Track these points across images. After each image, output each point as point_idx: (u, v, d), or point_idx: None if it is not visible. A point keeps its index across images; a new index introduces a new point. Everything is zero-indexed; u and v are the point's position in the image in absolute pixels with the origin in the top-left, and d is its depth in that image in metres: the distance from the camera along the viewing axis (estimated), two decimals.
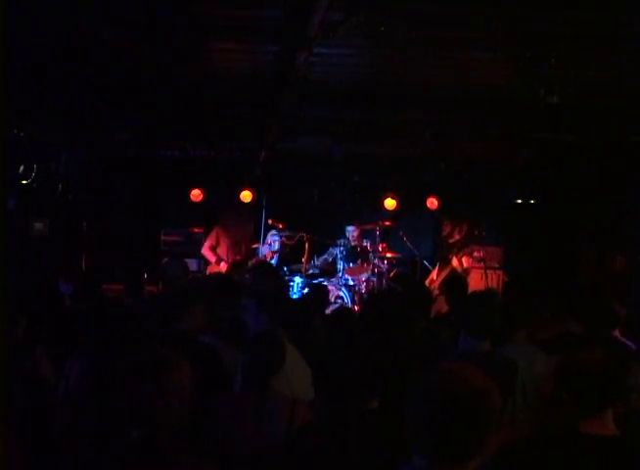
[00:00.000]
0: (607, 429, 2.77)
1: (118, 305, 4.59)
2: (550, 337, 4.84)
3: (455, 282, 7.07)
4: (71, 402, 3.78)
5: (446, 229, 9.61)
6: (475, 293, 4.96)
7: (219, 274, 8.04)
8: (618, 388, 2.83)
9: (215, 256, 9.68)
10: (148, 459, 2.57)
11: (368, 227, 10.49)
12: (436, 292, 8.87)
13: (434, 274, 9.78)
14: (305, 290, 9.42)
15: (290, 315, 4.98)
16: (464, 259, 9.32)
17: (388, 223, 10.46)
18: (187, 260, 10.15)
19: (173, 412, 2.60)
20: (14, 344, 4.04)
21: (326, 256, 10.47)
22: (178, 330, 4.35)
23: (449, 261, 9.42)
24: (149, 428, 2.59)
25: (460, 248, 9.39)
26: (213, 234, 9.94)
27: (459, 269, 9.22)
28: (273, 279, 6.99)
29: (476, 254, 10.14)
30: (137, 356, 2.73)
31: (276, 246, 10.32)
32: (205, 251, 9.75)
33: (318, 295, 6.45)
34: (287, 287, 9.35)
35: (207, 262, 10.19)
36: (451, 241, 9.56)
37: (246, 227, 10.05)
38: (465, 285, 6.95)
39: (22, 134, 7.75)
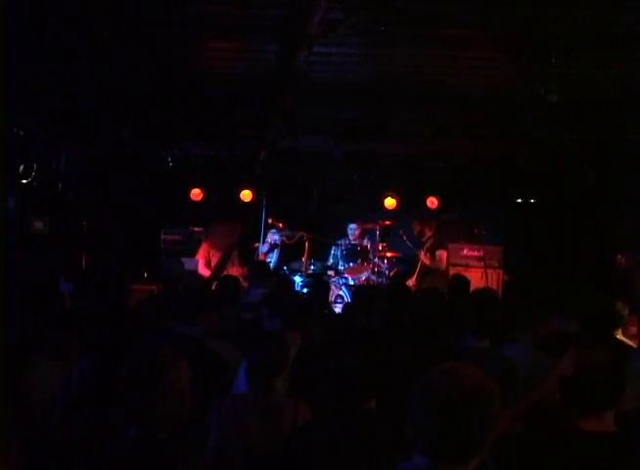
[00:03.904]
0: (606, 426, 2.78)
1: (120, 305, 4.60)
2: (549, 337, 4.85)
3: (457, 282, 7.07)
4: (74, 403, 3.78)
5: (416, 228, 9.83)
6: (475, 292, 4.96)
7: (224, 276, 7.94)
8: (619, 390, 2.84)
9: (211, 271, 9.45)
10: (146, 458, 2.57)
11: (368, 226, 10.49)
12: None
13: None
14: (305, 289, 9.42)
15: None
16: (439, 254, 9.48)
17: (388, 223, 10.46)
18: (187, 259, 10.15)
19: (171, 412, 2.60)
20: (19, 343, 4.04)
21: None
22: (182, 331, 4.35)
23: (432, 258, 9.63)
24: (147, 427, 2.59)
25: (432, 243, 9.59)
26: (204, 251, 9.68)
27: (428, 263, 9.41)
28: (270, 279, 6.99)
29: (476, 253, 10.15)
30: (136, 356, 2.73)
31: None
32: (202, 269, 9.58)
33: (319, 290, 6.47)
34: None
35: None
36: (424, 239, 9.76)
37: (232, 239, 9.76)
38: (467, 285, 6.96)
39: (21, 133, 7.75)
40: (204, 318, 4.44)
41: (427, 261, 9.50)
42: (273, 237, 10.31)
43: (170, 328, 4.46)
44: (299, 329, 4.69)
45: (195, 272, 9.53)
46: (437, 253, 9.58)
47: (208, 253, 9.57)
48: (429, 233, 9.76)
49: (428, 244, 9.66)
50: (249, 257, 10.23)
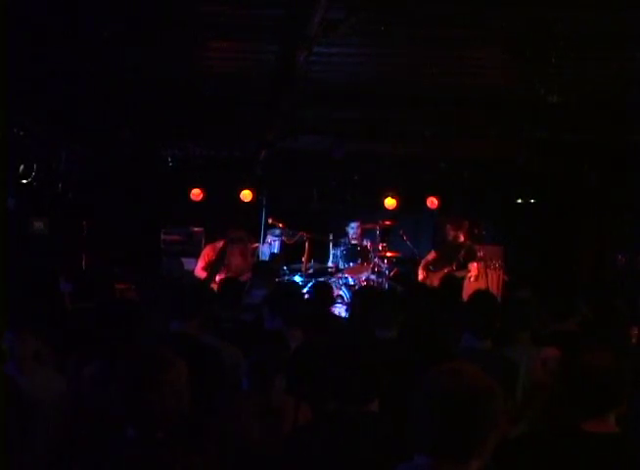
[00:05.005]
0: (608, 427, 2.78)
1: (122, 305, 4.59)
2: (550, 337, 4.84)
3: (450, 283, 7.04)
4: (85, 406, 3.76)
5: (450, 234, 9.49)
6: (476, 292, 4.95)
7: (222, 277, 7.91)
8: (622, 391, 2.83)
9: (208, 274, 9.34)
10: (144, 458, 2.57)
11: (368, 227, 10.49)
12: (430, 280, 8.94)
13: (430, 257, 9.65)
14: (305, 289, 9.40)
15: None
16: (471, 266, 9.29)
17: (388, 223, 10.46)
18: (187, 259, 10.15)
19: (169, 411, 2.60)
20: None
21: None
22: (180, 330, 4.35)
23: (464, 265, 9.31)
24: (145, 427, 2.59)
25: (469, 249, 9.36)
26: (204, 256, 9.56)
27: (464, 275, 9.17)
28: (272, 280, 6.97)
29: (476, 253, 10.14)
30: (134, 355, 2.74)
31: (276, 245, 10.31)
32: (199, 272, 9.51)
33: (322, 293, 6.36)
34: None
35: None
36: (457, 243, 9.49)
37: (243, 252, 9.58)
38: (460, 285, 6.94)
39: (21, 133, 7.75)
40: (198, 315, 4.45)
41: (461, 274, 9.25)
42: (273, 237, 10.30)
43: (164, 326, 4.46)
44: (301, 328, 4.68)
45: (192, 271, 9.53)
46: (469, 265, 9.33)
47: (208, 259, 9.42)
48: (462, 237, 9.49)
49: (466, 255, 9.35)
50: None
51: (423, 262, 9.56)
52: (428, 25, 5.44)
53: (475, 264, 9.31)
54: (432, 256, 9.57)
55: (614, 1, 4.91)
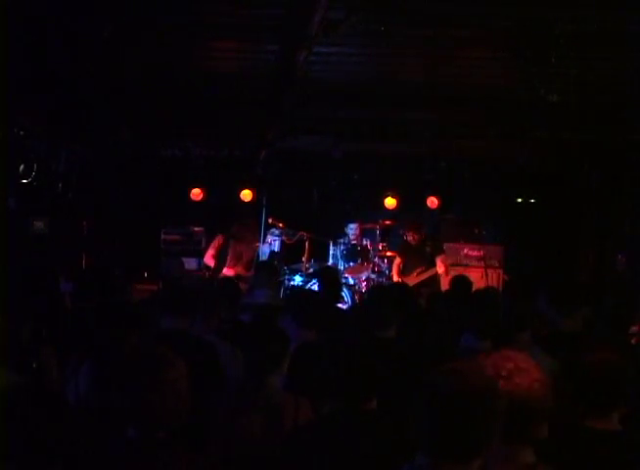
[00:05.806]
0: (612, 425, 2.79)
1: (121, 304, 4.58)
2: (550, 336, 4.84)
3: (459, 283, 7.04)
4: (83, 406, 3.76)
5: (415, 237, 9.45)
6: (477, 292, 4.96)
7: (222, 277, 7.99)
8: (625, 390, 2.84)
9: (216, 264, 9.55)
10: (145, 458, 2.57)
11: (368, 226, 10.50)
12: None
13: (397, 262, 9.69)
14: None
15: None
16: (439, 261, 9.33)
17: (388, 222, 10.47)
18: (187, 259, 10.16)
19: (170, 411, 2.60)
20: (19, 344, 4.03)
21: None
22: (179, 328, 4.35)
23: (432, 263, 9.36)
24: (146, 427, 2.59)
25: (434, 244, 9.44)
26: (215, 243, 9.75)
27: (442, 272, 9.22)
28: (275, 280, 6.98)
29: (476, 253, 10.15)
30: (134, 355, 2.73)
31: (276, 245, 10.32)
32: (208, 259, 9.67)
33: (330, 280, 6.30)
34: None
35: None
36: (420, 243, 9.50)
37: (251, 245, 9.88)
38: (469, 287, 6.93)
39: (21, 133, 7.75)
40: (190, 313, 4.46)
41: (431, 273, 9.29)
42: (273, 237, 10.31)
43: (158, 324, 4.46)
44: (314, 328, 4.67)
45: (194, 271, 9.59)
46: (437, 260, 9.36)
47: (221, 245, 9.62)
48: (420, 239, 9.53)
49: (432, 250, 9.40)
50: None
51: (395, 269, 9.62)
52: (428, 25, 5.44)
53: (441, 258, 9.32)
54: (398, 261, 9.62)
55: (614, 1, 4.91)
